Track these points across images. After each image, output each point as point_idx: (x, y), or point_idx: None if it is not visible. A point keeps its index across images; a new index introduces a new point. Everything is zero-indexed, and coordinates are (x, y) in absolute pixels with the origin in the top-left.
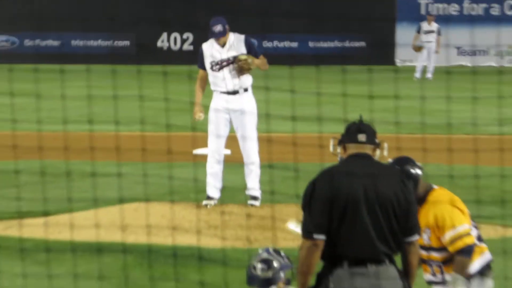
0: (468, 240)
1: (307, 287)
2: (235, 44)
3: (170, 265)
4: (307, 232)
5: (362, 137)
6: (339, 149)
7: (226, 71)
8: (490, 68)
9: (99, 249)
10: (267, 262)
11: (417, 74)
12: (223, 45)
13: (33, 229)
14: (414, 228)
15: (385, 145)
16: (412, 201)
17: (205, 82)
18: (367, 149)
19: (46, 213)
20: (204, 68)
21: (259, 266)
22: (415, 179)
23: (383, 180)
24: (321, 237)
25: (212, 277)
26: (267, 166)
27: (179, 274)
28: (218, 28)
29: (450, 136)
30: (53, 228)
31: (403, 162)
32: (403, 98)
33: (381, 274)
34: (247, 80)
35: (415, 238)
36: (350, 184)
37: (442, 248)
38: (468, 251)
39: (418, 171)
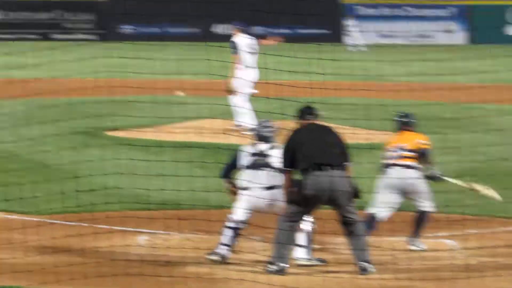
0: None
1: (289, 186)
2: None
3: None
4: (284, 167)
5: (311, 117)
6: (298, 121)
7: None
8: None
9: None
10: (268, 126)
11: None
12: None
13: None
14: (346, 158)
15: (323, 113)
16: (344, 143)
17: None
18: (314, 120)
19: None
20: None
21: (263, 128)
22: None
23: (328, 134)
24: (289, 168)
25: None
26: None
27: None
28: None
29: None
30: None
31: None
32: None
33: (329, 173)
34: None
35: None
36: (307, 137)
37: None
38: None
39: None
